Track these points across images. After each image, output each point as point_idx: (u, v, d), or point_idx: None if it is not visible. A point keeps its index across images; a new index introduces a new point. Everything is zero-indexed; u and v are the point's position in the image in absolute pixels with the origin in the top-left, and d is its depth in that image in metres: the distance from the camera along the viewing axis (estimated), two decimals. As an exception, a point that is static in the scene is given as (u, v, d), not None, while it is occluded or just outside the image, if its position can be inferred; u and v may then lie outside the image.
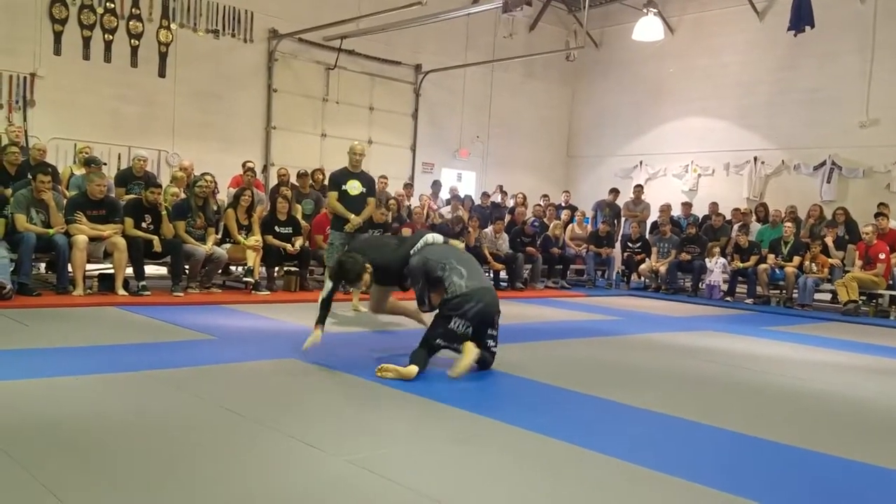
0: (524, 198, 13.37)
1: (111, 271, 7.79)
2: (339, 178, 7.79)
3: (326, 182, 11.33)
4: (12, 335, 5.45)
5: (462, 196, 13.62)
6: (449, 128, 15.77)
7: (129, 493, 2.64)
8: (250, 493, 2.71)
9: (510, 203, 13.91)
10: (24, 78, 10.67)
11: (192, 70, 12.15)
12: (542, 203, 13.66)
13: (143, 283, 7.78)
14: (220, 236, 8.76)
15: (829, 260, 10.99)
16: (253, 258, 8.59)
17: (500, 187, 14.99)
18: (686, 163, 15.74)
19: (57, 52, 10.90)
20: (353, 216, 7.60)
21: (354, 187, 7.72)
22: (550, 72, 17.29)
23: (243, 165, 10.76)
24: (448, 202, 13.13)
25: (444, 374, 5.06)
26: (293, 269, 9.32)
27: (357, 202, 7.73)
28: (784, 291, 11.31)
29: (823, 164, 13.87)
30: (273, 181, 12.13)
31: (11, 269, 7.10)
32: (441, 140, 15.66)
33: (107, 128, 11.31)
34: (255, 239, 8.71)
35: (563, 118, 17.81)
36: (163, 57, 11.89)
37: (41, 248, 7.40)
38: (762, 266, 11.30)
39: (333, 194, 7.77)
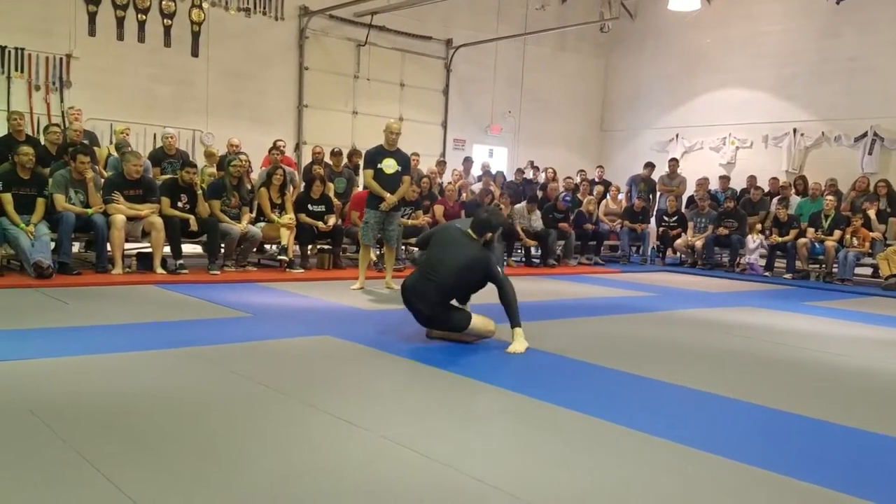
0: (554, 173, 13.25)
1: (149, 250, 7.91)
2: (375, 156, 7.75)
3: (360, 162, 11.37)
4: (54, 313, 5.57)
5: (493, 172, 13.53)
6: (480, 103, 15.65)
7: (169, 467, 2.69)
8: (287, 467, 2.74)
9: (542, 178, 13.79)
10: (60, 59, 10.81)
11: (224, 49, 12.20)
12: (575, 178, 13.49)
13: (181, 261, 7.89)
14: (254, 215, 8.83)
15: (871, 234, 10.74)
16: (287, 236, 8.65)
17: (531, 163, 14.84)
18: (723, 135, 15.44)
19: (91, 32, 11.01)
20: (388, 195, 7.57)
21: (390, 165, 7.66)
22: (584, 44, 17.04)
23: (274, 144, 10.81)
24: (479, 178, 13.06)
25: (480, 352, 5.06)
26: (326, 246, 9.37)
27: (393, 180, 7.68)
28: (824, 266, 11.10)
29: (865, 135, 13.50)
30: (305, 160, 12.18)
31: (52, 248, 7.25)
32: (472, 116, 15.55)
33: (141, 108, 11.42)
34: (289, 217, 8.77)
35: (597, 91, 17.56)
36: (195, 36, 11.94)
37: (80, 228, 7.53)
38: (801, 240, 11.08)
39: (369, 172, 7.72)
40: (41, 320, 5.23)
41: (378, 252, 8.90)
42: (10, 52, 10.41)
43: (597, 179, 13.92)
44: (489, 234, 5.13)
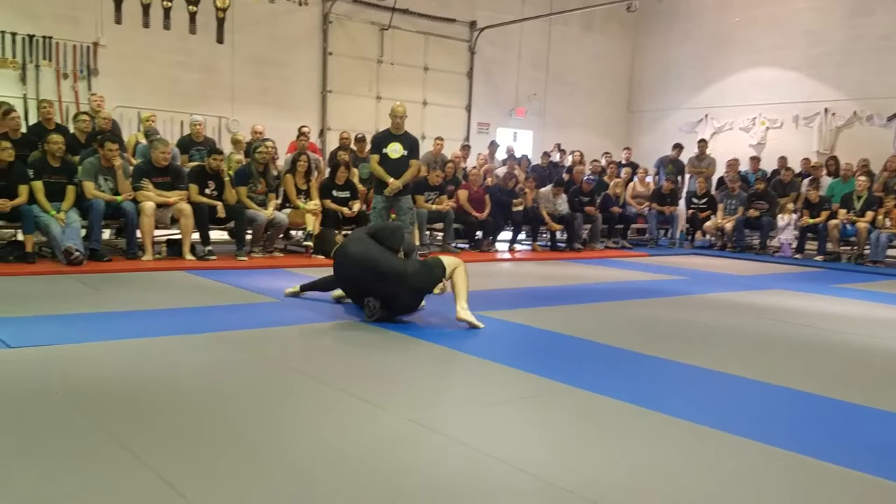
0: (581, 156, 13.13)
1: (178, 237, 7.98)
2: (381, 140, 7.72)
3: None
4: (85, 299, 5.65)
5: (518, 156, 13.44)
6: (505, 86, 15.54)
7: (198, 448, 2.72)
8: (313, 448, 2.77)
9: (568, 162, 13.67)
10: (88, 47, 10.90)
11: (248, 35, 12.23)
12: (601, 160, 13.36)
13: (209, 247, 7.95)
14: (280, 201, 8.87)
15: (904, 214, 10.54)
16: (312, 222, 8.70)
17: (558, 145, 14.71)
18: (753, 115, 15.19)
19: (118, 20, 11.08)
20: (392, 180, 7.53)
21: (395, 150, 7.62)
22: (610, 24, 16.82)
23: (299, 130, 10.84)
24: (504, 162, 12.99)
25: (506, 335, 5.05)
26: (351, 232, 9.39)
27: (397, 165, 7.63)
28: (855, 248, 10.91)
29: (898, 114, 13.21)
30: (330, 145, 12.20)
31: (82, 235, 7.34)
32: (497, 99, 15.45)
33: (168, 95, 11.50)
34: (314, 203, 8.80)
35: (624, 72, 17.34)
36: (220, 23, 11.98)
37: (110, 215, 7.62)
38: (833, 222, 10.90)
39: (375, 157, 7.74)
40: (73, 306, 5.31)
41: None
42: (38, 40, 10.52)
43: (624, 161, 13.77)
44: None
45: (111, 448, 2.70)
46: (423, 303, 5.43)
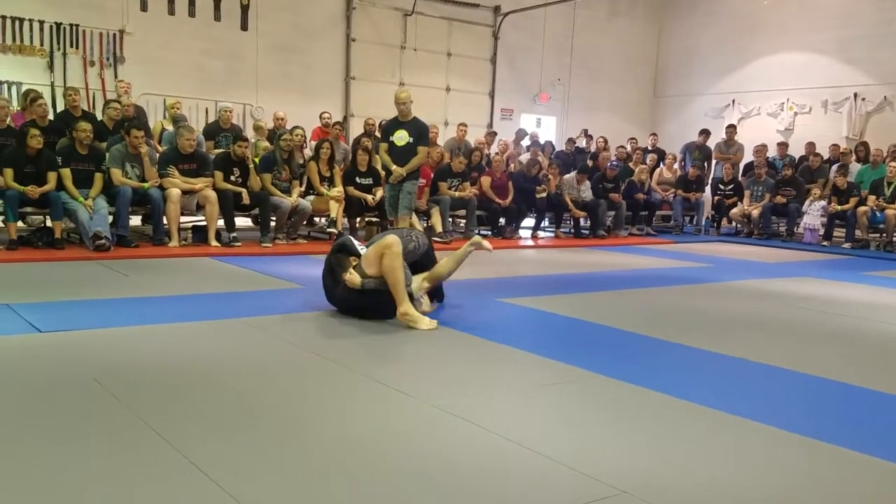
0: (605, 142, 13.02)
1: (204, 223, 8.05)
2: (388, 128, 7.68)
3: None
4: (113, 285, 5.72)
5: (542, 142, 13.36)
6: (528, 72, 15.43)
7: (227, 432, 2.75)
8: (340, 434, 2.79)
9: (594, 148, 13.55)
10: (114, 35, 10.99)
11: (272, 22, 12.25)
12: (626, 146, 13.24)
13: (234, 234, 8.02)
14: (303, 188, 8.91)
15: (937, 201, 10.35)
16: (336, 209, 8.72)
17: (585, 131, 14.57)
18: (781, 101, 14.95)
19: (143, 7, 11.14)
20: (395, 167, 7.47)
21: (401, 137, 7.52)
22: (636, 8, 16.63)
23: (320, 117, 10.87)
24: (528, 149, 12.91)
25: (529, 322, 5.05)
26: (374, 219, 9.41)
27: (403, 153, 7.51)
28: (885, 235, 10.74)
29: (930, 99, 12.96)
30: (353, 132, 12.21)
31: (110, 221, 7.43)
32: (520, 85, 15.35)
33: (193, 82, 11.56)
34: (337, 190, 8.82)
35: (650, 56, 17.15)
36: (244, 9, 12.01)
37: (137, 202, 7.70)
38: (862, 208, 10.74)
39: (383, 146, 7.72)
40: (103, 291, 5.39)
41: (424, 225, 8.91)
42: (65, 28, 10.62)
43: (650, 147, 13.63)
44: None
45: (139, 430, 2.74)
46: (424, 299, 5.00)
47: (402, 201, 7.66)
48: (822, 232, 11.25)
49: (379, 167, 9.75)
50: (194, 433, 2.75)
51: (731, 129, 13.54)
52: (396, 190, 7.66)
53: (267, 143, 9.58)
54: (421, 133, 7.60)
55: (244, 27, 12.04)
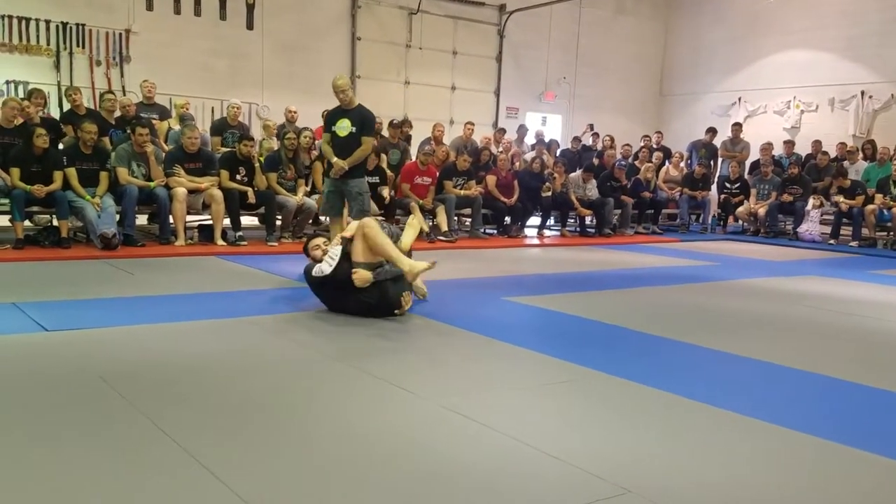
0: (612, 140, 12.99)
1: (210, 222, 8.06)
2: (330, 117, 6.86)
3: (412, 133, 11.32)
4: (120, 283, 5.74)
5: (547, 140, 13.33)
6: (534, 70, 15.41)
7: (234, 431, 2.76)
8: (346, 433, 2.79)
9: (600, 146, 13.51)
10: (120, 34, 11.02)
11: (278, 21, 12.26)
12: (634, 145, 13.19)
13: (240, 233, 8.03)
14: (309, 188, 8.91)
15: (944, 199, 10.30)
16: (341, 207, 8.72)
17: (591, 126, 14.51)
18: (788, 99, 14.90)
19: (149, 7, 11.16)
20: (336, 160, 6.62)
21: (343, 127, 6.67)
22: (642, 6, 16.59)
23: (322, 116, 10.83)
24: (533, 147, 12.89)
25: (535, 321, 5.04)
26: (380, 217, 9.38)
27: (345, 144, 6.66)
28: (892, 233, 10.70)
29: (937, 96, 12.88)
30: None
31: (117, 220, 7.45)
32: (526, 83, 15.33)
33: (199, 81, 11.58)
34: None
35: (656, 55, 17.10)
36: (250, 8, 12.02)
37: (143, 201, 7.72)
38: (869, 207, 10.69)
39: (325, 136, 6.91)
40: (109, 290, 5.40)
41: (430, 224, 8.88)
42: (71, 27, 10.65)
43: (655, 146, 13.60)
44: None
45: (145, 428, 2.75)
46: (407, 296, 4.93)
47: (354, 205, 6.74)
48: (818, 237, 11.20)
49: (385, 166, 9.77)
50: (199, 431, 2.76)
51: (737, 127, 13.49)
52: (338, 186, 6.73)
53: (272, 143, 9.57)
54: (365, 122, 6.76)
55: (250, 26, 12.05)
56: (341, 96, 6.65)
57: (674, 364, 4.06)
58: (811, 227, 11.29)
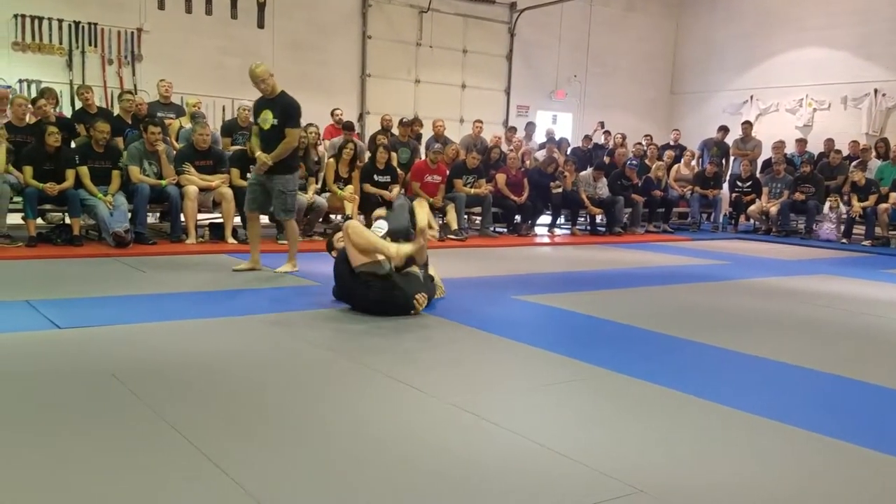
0: (623, 138, 12.94)
1: (221, 220, 8.09)
2: (255, 109, 6.29)
3: (431, 133, 11.34)
4: (131, 281, 5.76)
5: (558, 139, 13.30)
6: (544, 68, 15.38)
7: (245, 428, 2.76)
8: (355, 431, 2.79)
9: (612, 144, 13.46)
10: (132, 33, 11.07)
11: (288, 20, 12.28)
12: (643, 142, 13.15)
13: (250, 231, 8.04)
14: (319, 186, 8.93)
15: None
16: (350, 207, 8.75)
17: (601, 124, 14.45)
18: (800, 97, 14.81)
19: (161, 6, 11.21)
20: (260, 154, 6.07)
21: (265, 119, 6.08)
22: (652, 4, 16.52)
23: (332, 114, 10.87)
24: (542, 145, 12.86)
25: (545, 320, 5.03)
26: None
27: (269, 137, 6.07)
28: (906, 232, 10.62)
29: (952, 94, 12.77)
30: (369, 129, 12.22)
31: (129, 218, 7.49)
32: (536, 81, 15.30)
33: (210, 80, 11.61)
34: (350, 190, 8.84)
35: (667, 53, 17.04)
36: (261, 7, 12.05)
37: (155, 199, 7.76)
38: (882, 206, 10.61)
39: (254, 128, 6.41)
40: (121, 288, 5.43)
41: (440, 222, 8.85)
42: (83, 27, 10.71)
43: (672, 143, 13.52)
44: None
45: (157, 426, 2.76)
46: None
47: (277, 203, 6.19)
48: (839, 235, 11.13)
49: (395, 164, 9.77)
50: (211, 429, 2.77)
51: (747, 125, 13.42)
52: (260, 181, 6.17)
53: None
54: (287, 112, 6.05)
55: (261, 25, 12.08)
56: (262, 86, 6.03)
57: (684, 363, 4.04)
58: (829, 226, 11.22)
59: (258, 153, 6.11)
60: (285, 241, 8.08)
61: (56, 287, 5.34)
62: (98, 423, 2.79)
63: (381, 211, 5.38)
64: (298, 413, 3.00)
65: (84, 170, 7.41)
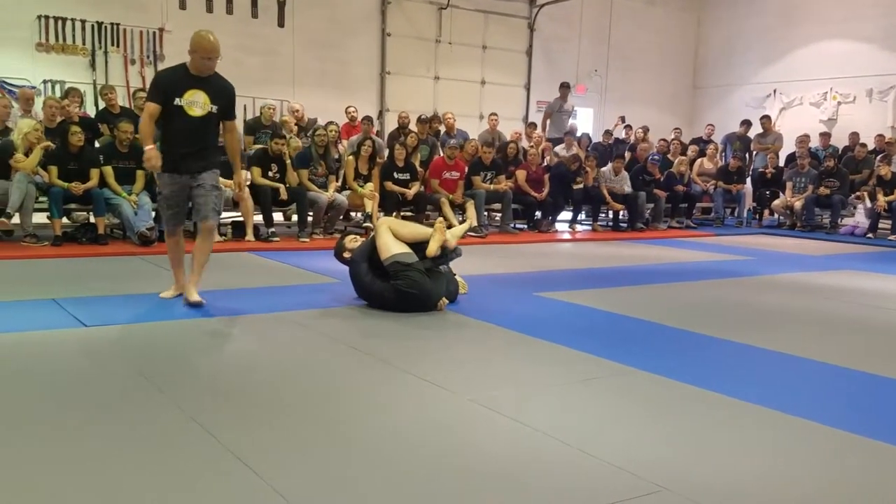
0: (645, 132, 12.84)
1: (241, 219, 8.14)
2: (170, 84, 5.02)
3: (443, 129, 11.33)
4: (156, 279, 5.81)
5: (579, 134, 13.22)
6: (565, 63, 15.28)
7: (269, 427, 2.78)
8: (376, 426, 2.80)
9: (633, 138, 13.35)
10: (154, 33, 11.15)
11: (308, 18, 12.31)
12: (672, 135, 13.03)
13: (272, 229, 8.09)
14: (339, 184, 8.96)
15: None
16: (370, 205, 8.77)
17: (622, 119, 14.32)
18: (824, 90, 14.61)
19: (182, 6, 11.28)
20: (150, 146, 4.72)
21: (197, 102, 4.95)
22: (673, -3, 16.39)
23: (346, 112, 10.87)
24: (561, 140, 12.78)
25: (566, 317, 5.01)
26: (410, 213, 9.42)
27: (200, 126, 4.93)
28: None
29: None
30: (388, 127, 12.23)
31: (153, 217, 7.55)
32: (556, 77, 15.15)
33: (231, 79, 11.27)
34: (370, 188, 8.86)
35: (689, 46, 16.87)
36: (281, 6, 12.09)
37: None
38: (910, 200, 10.46)
39: (151, 108, 4.94)
40: (145, 286, 5.48)
41: (459, 219, 8.86)
42: (106, 27, 10.80)
43: (705, 138, 13.40)
44: None
45: (184, 423, 2.78)
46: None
47: (206, 203, 4.94)
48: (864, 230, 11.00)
49: (416, 162, 9.75)
50: (238, 427, 2.78)
51: (766, 119, 13.28)
52: (180, 184, 4.95)
53: (298, 143, 9.58)
54: (232, 101, 5.18)
55: (281, 24, 12.13)
56: (211, 63, 4.94)
57: (710, 360, 4.01)
58: (859, 220, 11.08)
59: (150, 145, 4.63)
60: (306, 239, 8.15)
61: (82, 286, 5.40)
62: (126, 420, 2.82)
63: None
64: (321, 409, 3.01)
65: (108, 169, 7.49)
